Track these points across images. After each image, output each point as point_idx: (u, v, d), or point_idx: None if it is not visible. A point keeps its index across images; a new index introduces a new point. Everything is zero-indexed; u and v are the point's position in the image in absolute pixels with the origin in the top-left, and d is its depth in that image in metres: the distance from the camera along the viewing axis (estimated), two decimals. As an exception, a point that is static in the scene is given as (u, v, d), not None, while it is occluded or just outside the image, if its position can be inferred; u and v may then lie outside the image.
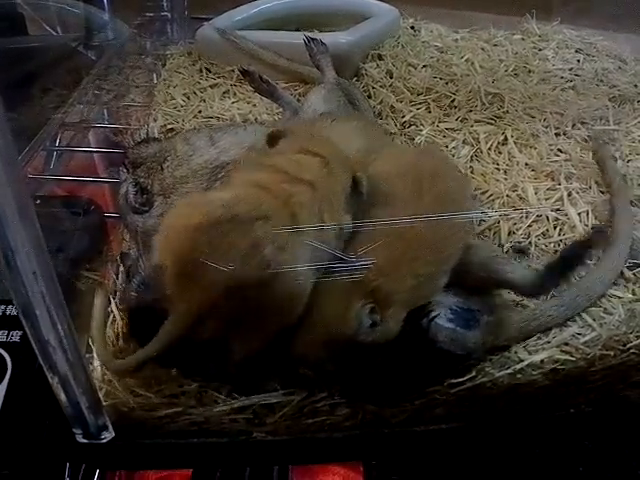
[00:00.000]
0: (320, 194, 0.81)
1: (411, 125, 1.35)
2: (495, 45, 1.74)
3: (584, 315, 0.92)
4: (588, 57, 1.66)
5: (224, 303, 0.74)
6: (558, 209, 1.09)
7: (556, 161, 1.20)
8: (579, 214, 1.08)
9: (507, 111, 1.36)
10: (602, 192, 1.13)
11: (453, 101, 1.41)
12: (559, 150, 1.24)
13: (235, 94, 1.56)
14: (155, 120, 1.42)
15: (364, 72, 1.59)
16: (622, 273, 0.98)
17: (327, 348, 0.78)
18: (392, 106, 1.42)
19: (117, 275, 1.01)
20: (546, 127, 1.30)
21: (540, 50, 1.70)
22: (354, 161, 0.89)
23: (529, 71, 1.56)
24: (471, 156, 1.24)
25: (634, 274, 0.98)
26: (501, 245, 1.03)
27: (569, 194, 1.12)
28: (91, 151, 1.51)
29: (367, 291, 0.78)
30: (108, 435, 0.74)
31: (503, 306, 0.93)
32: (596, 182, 1.14)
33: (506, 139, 1.27)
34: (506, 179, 1.17)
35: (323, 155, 0.85)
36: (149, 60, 1.82)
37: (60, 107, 1.48)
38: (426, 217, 0.84)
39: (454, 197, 0.91)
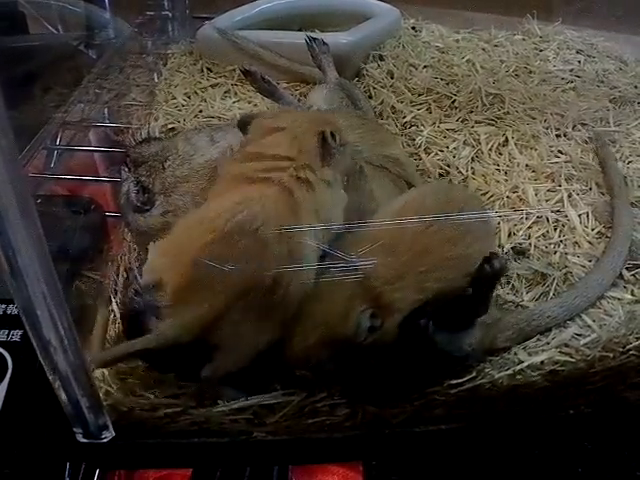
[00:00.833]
0: (297, 164, 0.83)
1: (412, 126, 1.35)
2: (496, 46, 1.74)
3: (584, 316, 0.92)
4: (589, 58, 1.66)
5: (236, 310, 0.76)
6: (558, 210, 1.09)
7: (556, 162, 1.20)
8: (579, 215, 1.08)
9: (508, 112, 1.36)
10: (602, 193, 1.13)
11: (454, 102, 1.42)
12: (559, 151, 1.24)
13: (236, 94, 1.56)
14: (156, 119, 1.42)
15: (365, 72, 1.59)
16: (622, 275, 0.98)
17: (326, 349, 0.78)
18: (393, 106, 1.42)
19: (117, 275, 1.02)
20: (547, 128, 1.31)
21: (541, 51, 1.70)
22: (320, 119, 0.92)
23: (530, 72, 1.57)
24: (472, 157, 1.24)
25: (634, 275, 0.98)
26: (501, 246, 1.03)
27: (569, 195, 1.12)
28: (92, 150, 1.52)
29: (371, 296, 0.78)
30: (108, 435, 0.75)
31: (500, 307, 0.94)
32: (596, 183, 1.14)
33: (507, 140, 1.27)
34: (507, 180, 1.17)
35: (284, 126, 0.87)
36: (150, 59, 1.82)
37: (61, 106, 1.48)
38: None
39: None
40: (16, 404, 0.78)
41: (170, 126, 1.40)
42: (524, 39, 1.79)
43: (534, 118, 1.34)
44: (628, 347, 0.84)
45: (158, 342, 0.77)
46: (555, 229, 1.06)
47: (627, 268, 0.99)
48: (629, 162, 1.21)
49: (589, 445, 0.98)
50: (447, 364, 0.84)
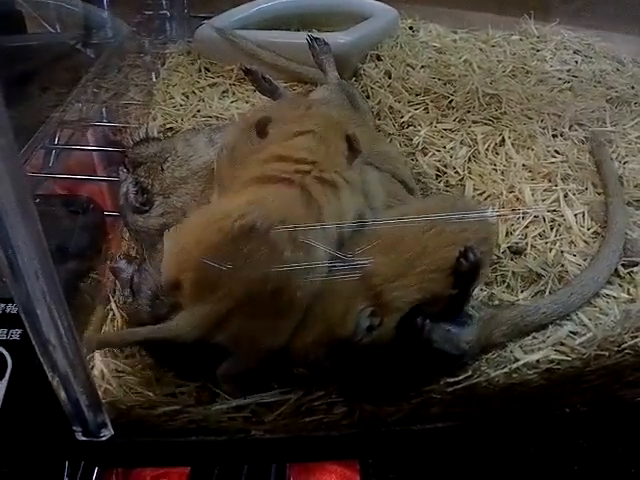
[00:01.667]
0: (322, 167, 0.84)
1: (409, 126, 1.36)
2: (493, 46, 1.74)
3: (580, 315, 0.93)
4: (586, 58, 1.66)
5: (247, 308, 0.76)
6: (555, 210, 1.10)
7: (553, 162, 1.21)
8: (575, 215, 1.09)
9: (505, 112, 1.37)
10: (598, 193, 1.13)
11: (451, 102, 1.42)
12: (556, 151, 1.24)
13: (234, 93, 1.56)
14: (154, 119, 1.42)
15: (363, 72, 1.59)
16: (618, 273, 0.99)
17: (325, 347, 0.78)
18: (390, 106, 1.42)
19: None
20: (543, 128, 1.31)
21: (538, 51, 1.70)
22: (343, 122, 0.93)
23: (527, 72, 1.57)
24: (469, 157, 1.24)
25: (629, 274, 0.98)
26: (498, 245, 1.04)
27: (565, 195, 1.13)
28: (90, 149, 1.52)
29: (371, 294, 0.79)
30: (107, 433, 0.75)
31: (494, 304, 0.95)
32: (592, 183, 1.15)
33: (503, 140, 1.28)
34: (503, 180, 1.18)
35: (312, 129, 0.88)
36: (148, 59, 1.82)
37: (59, 105, 1.48)
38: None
39: None
40: (15, 402, 0.79)
41: (168, 126, 1.40)
42: (521, 39, 1.79)
43: (531, 118, 1.34)
44: (623, 346, 0.85)
45: (164, 334, 0.78)
46: (551, 228, 1.07)
47: (623, 265, 0.99)
48: (625, 162, 1.22)
49: (585, 443, 0.99)
50: (444, 362, 0.84)
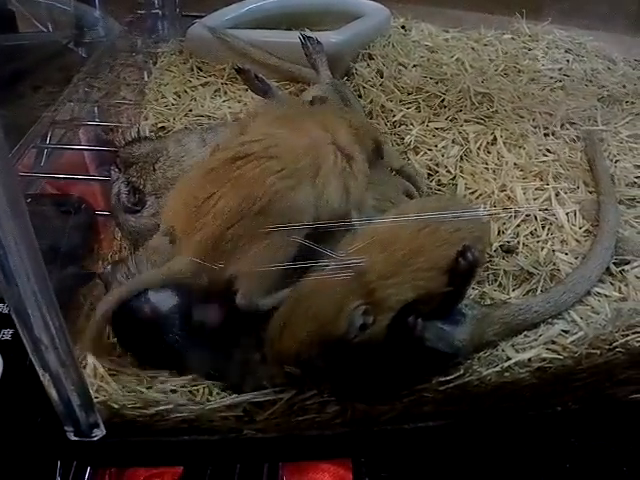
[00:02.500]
0: (344, 141, 0.90)
1: (401, 125, 1.36)
2: (485, 45, 1.74)
3: (572, 313, 0.93)
4: (577, 57, 1.67)
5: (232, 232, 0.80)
6: (546, 209, 1.10)
7: (544, 161, 1.21)
8: (567, 214, 1.09)
9: (496, 111, 1.37)
10: (590, 192, 1.14)
11: (443, 101, 1.42)
12: (548, 150, 1.25)
13: (226, 93, 1.55)
14: (146, 118, 1.42)
15: (354, 71, 1.59)
16: (610, 272, 0.99)
17: (317, 345, 0.78)
18: (382, 105, 1.42)
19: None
20: (535, 127, 1.31)
21: (530, 50, 1.71)
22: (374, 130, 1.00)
23: (519, 71, 1.57)
24: (460, 156, 1.24)
25: (621, 272, 0.99)
26: (490, 244, 1.04)
27: (557, 194, 1.13)
28: (82, 149, 1.51)
29: (365, 292, 0.79)
30: (99, 433, 0.75)
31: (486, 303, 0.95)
32: (584, 182, 1.15)
33: (495, 139, 1.28)
34: (495, 179, 1.18)
35: (349, 119, 0.96)
36: (140, 58, 1.82)
37: (51, 105, 1.48)
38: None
39: None
40: (7, 402, 0.79)
41: (160, 125, 1.39)
42: (513, 38, 1.79)
43: (523, 117, 1.35)
44: (615, 344, 0.85)
45: (164, 275, 0.81)
46: (543, 227, 1.07)
47: (614, 264, 1.00)
48: (616, 161, 1.22)
49: (576, 441, 0.99)
50: (438, 361, 0.84)
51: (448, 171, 1.21)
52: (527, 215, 1.09)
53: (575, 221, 1.08)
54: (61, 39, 1.77)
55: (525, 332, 0.90)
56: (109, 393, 0.82)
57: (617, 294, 0.96)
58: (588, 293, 0.96)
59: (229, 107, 1.48)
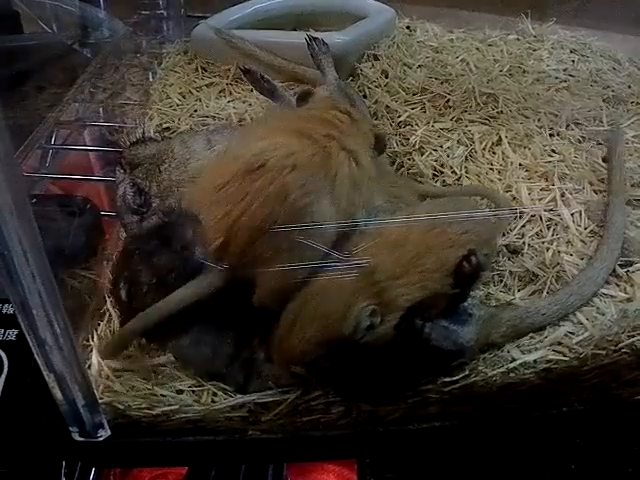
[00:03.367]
0: (355, 143, 0.89)
1: (406, 125, 1.35)
2: (490, 45, 1.73)
3: (577, 314, 0.93)
4: (583, 58, 1.66)
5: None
6: (551, 209, 1.10)
7: (550, 162, 1.20)
8: (572, 214, 1.08)
9: (501, 111, 1.36)
10: (595, 192, 1.13)
11: (448, 101, 1.42)
12: (553, 151, 1.24)
13: (231, 93, 1.55)
14: (151, 119, 1.42)
15: (359, 72, 1.59)
16: (615, 273, 0.99)
17: (323, 345, 0.78)
18: (387, 106, 1.42)
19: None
20: (540, 127, 1.31)
21: (535, 50, 1.70)
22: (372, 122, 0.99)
23: (524, 71, 1.56)
24: (465, 156, 1.24)
25: (626, 273, 0.98)
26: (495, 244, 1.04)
27: (562, 194, 1.12)
28: (87, 149, 1.51)
29: (373, 292, 0.79)
30: (104, 433, 0.75)
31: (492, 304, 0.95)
32: (590, 182, 1.15)
33: (500, 139, 1.28)
34: (500, 179, 1.18)
35: (351, 113, 0.95)
36: (145, 58, 1.82)
37: (55, 105, 1.48)
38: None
39: None
40: (12, 403, 0.79)
41: (165, 125, 1.39)
42: (518, 39, 1.78)
43: (528, 117, 1.34)
44: (620, 345, 0.85)
45: (193, 290, 0.81)
46: (548, 228, 1.07)
47: (620, 265, 0.99)
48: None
49: (582, 442, 0.99)
50: (444, 361, 0.84)
51: (453, 172, 1.21)
52: (532, 216, 1.09)
53: (581, 222, 1.07)
54: (66, 40, 1.78)
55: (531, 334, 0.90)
56: (114, 393, 0.82)
57: (623, 295, 0.95)
58: (594, 294, 0.95)
59: (234, 108, 1.47)
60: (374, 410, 0.84)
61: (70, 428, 0.74)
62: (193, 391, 0.86)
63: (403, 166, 1.26)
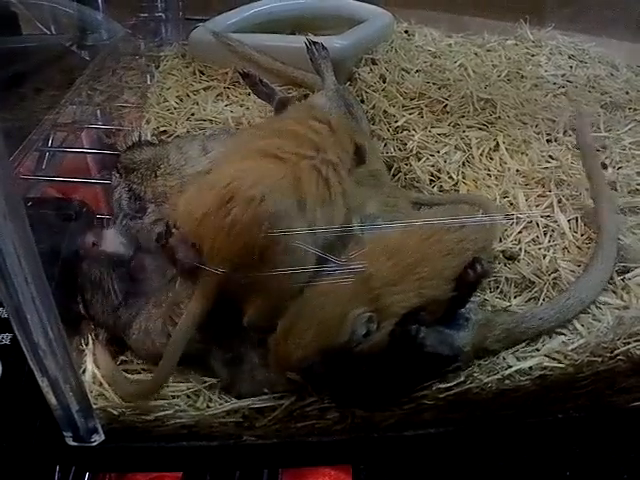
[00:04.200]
0: (327, 157, 0.86)
1: (403, 130, 1.35)
2: (488, 50, 1.74)
3: (573, 321, 0.93)
4: (581, 63, 1.66)
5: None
6: (548, 216, 1.10)
7: (547, 168, 1.21)
8: (569, 221, 1.09)
9: (499, 117, 1.36)
10: (593, 199, 1.13)
11: (445, 106, 1.42)
12: (550, 157, 1.24)
13: (228, 97, 1.55)
14: (148, 122, 1.42)
15: (357, 76, 1.59)
16: (611, 280, 0.99)
17: (319, 352, 0.78)
18: (385, 111, 1.42)
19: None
20: (538, 133, 1.31)
21: (533, 56, 1.70)
22: (355, 131, 0.96)
23: (522, 77, 1.57)
24: (463, 162, 1.24)
25: (622, 280, 0.98)
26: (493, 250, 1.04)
27: (559, 201, 1.13)
28: (84, 152, 1.51)
29: (369, 298, 0.79)
30: (98, 438, 0.75)
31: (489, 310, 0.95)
32: (586, 189, 1.15)
33: (498, 145, 1.28)
34: (497, 185, 1.18)
35: (330, 122, 0.92)
36: (143, 61, 1.82)
37: (53, 107, 1.47)
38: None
39: None
40: (5, 407, 0.78)
41: (162, 129, 1.39)
42: (516, 44, 1.79)
43: (525, 123, 1.34)
44: (616, 352, 0.85)
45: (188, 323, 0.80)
46: (545, 234, 1.07)
47: (616, 272, 0.99)
48: (619, 168, 1.21)
49: (577, 449, 0.99)
50: (439, 366, 0.84)
51: (450, 177, 1.21)
52: (529, 222, 1.09)
53: (577, 228, 1.08)
54: (64, 42, 1.78)
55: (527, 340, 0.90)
56: (108, 399, 0.82)
57: (619, 302, 0.95)
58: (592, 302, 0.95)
59: (231, 111, 1.47)
60: (369, 416, 0.83)
61: (64, 433, 0.73)
62: (188, 396, 0.86)
63: (400, 171, 1.26)
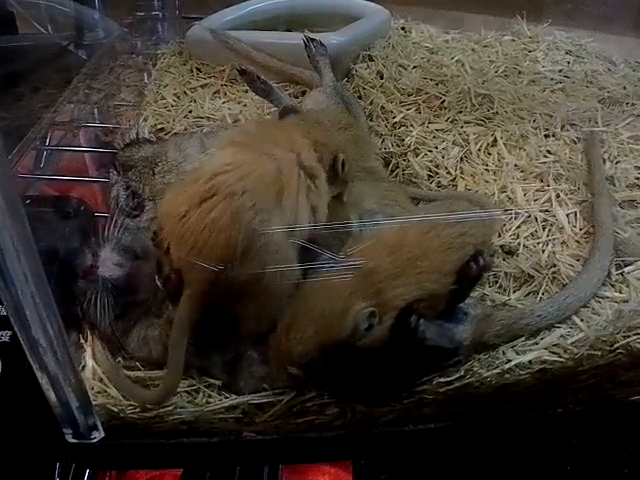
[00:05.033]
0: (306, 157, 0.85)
1: (401, 126, 1.35)
2: (485, 46, 1.74)
3: (573, 316, 0.93)
4: (578, 59, 1.66)
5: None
6: (547, 210, 1.10)
7: (545, 162, 1.20)
8: (567, 215, 1.08)
9: (497, 112, 1.36)
10: (591, 193, 1.13)
11: (443, 102, 1.42)
12: (548, 151, 1.24)
13: (226, 94, 1.55)
14: (145, 120, 1.42)
15: (355, 73, 1.59)
16: (609, 274, 0.99)
17: (320, 347, 0.78)
18: (382, 107, 1.42)
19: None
20: (535, 128, 1.31)
21: (530, 51, 1.70)
22: (337, 145, 0.93)
23: (519, 72, 1.57)
24: (461, 157, 1.24)
25: (621, 274, 0.98)
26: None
27: (557, 195, 1.13)
28: (81, 150, 1.51)
29: (371, 292, 0.79)
30: (98, 435, 0.75)
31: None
32: (584, 183, 1.15)
33: (495, 140, 1.28)
34: (495, 180, 1.18)
35: (314, 138, 0.89)
36: (140, 59, 1.82)
37: (50, 106, 1.47)
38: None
39: None
40: (5, 405, 0.78)
41: (159, 126, 1.39)
42: (513, 40, 1.79)
43: (523, 118, 1.34)
44: (615, 345, 0.85)
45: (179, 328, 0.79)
46: (543, 229, 1.07)
47: (615, 265, 0.99)
48: (617, 162, 1.21)
49: (577, 443, 0.99)
50: (440, 359, 0.84)
51: (448, 172, 1.21)
52: (527, 216, 1.09)
53: (576, 223, 1.08)
54: (61, 41, 1.78)
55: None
56: (108, 395, 0.82)
57: (618, 295, 0.95)
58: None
59: (229, 108, 1.47)
60: (369, 411, 0.83)
61: (64, 430, 0.73)
62: (188, 392, 0.86)
63: (398, 167, 1.26)
